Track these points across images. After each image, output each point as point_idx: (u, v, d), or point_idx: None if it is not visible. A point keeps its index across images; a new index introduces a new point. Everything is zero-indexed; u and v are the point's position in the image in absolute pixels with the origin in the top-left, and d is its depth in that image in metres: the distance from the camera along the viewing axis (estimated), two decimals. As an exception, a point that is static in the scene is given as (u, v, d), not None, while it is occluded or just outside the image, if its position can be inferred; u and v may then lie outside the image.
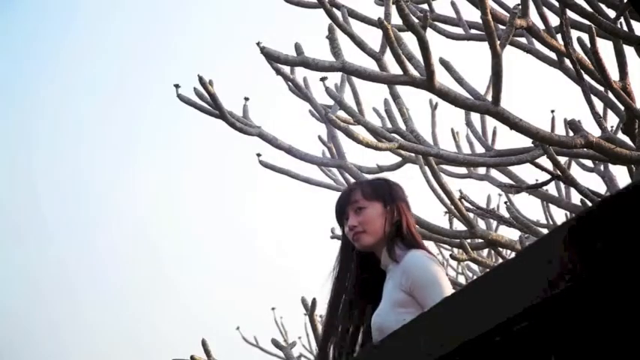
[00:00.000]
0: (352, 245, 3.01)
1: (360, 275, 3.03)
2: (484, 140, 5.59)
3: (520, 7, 4.52)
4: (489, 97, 4.01)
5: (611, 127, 4.88)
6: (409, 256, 2.90)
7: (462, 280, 8.00)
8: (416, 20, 3.85)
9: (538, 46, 4.98)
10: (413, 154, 5.03)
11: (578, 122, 4.16)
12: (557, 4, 4.75)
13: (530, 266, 1.15)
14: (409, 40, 4.09)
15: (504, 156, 4.98)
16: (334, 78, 5.24)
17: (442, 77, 3.99)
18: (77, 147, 15.55)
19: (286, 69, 5.18)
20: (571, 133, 4.39)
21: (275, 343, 7.90)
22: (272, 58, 4.28)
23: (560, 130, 5.26)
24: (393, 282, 2.88)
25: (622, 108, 4.54)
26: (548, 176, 4.81)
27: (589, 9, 4.51)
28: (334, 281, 3.06)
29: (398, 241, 2.96)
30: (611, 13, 4.60)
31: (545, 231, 5.44)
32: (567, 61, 4.69)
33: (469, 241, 5.45)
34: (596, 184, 5.46)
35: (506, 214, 5.62)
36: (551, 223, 6.27)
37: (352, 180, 5.11)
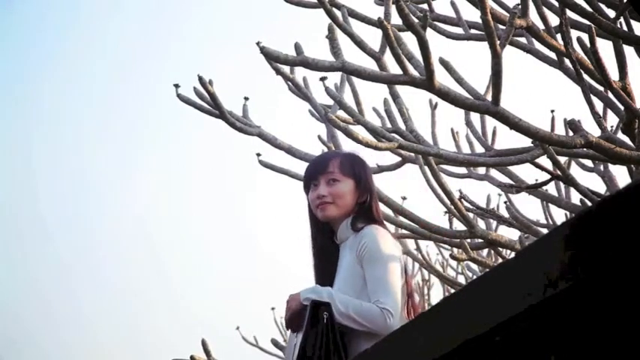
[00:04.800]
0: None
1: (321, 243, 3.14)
2: (484, 140, 5.59)
3: (520, 7, 4.52)
4: (489, 97, 4.00)
5: (611, 127, 4.87)
6: (368, 228, 2.98)
7: (461, 280, 7.99)
8: (416, 20, 3.84)
9: (538, 46, 4.97)
10: (413, 154, 5.02)
11: (578, 122, 4.15)
12: (557, 4, 4.74)
13: (530, 266, 1.15)
14: (409, 40, 4.09)
15: (504, 156, 4.98)
16: (334, 78, 5.24)
17: (442, 77, 3.99)
18: (77, 147, 15.56)
19: (286, 69, 5.18)
20: (571, 133, 4.39)
21: (275, 343, 7.89)
22: (272, 57, 4.27)
23: (560, 130, 5.26)
24: (351, 254, 2.96)
25: (622, 108, 4.53)
26: (548, 176, 4.80)
27: (589, 9, 4.51)
28: (312, 246, 3.18)
29: (362, 218, 3.03)
30: (611, 13, 4.60)
31: (545, 231, 5.43)
32: (567, 61, 4.68)
33: (469, 241, 5.44)
34: (596, 184, 5.46)
35: (506, 214, 5.62)
36: (551, 223, 6.26)
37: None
